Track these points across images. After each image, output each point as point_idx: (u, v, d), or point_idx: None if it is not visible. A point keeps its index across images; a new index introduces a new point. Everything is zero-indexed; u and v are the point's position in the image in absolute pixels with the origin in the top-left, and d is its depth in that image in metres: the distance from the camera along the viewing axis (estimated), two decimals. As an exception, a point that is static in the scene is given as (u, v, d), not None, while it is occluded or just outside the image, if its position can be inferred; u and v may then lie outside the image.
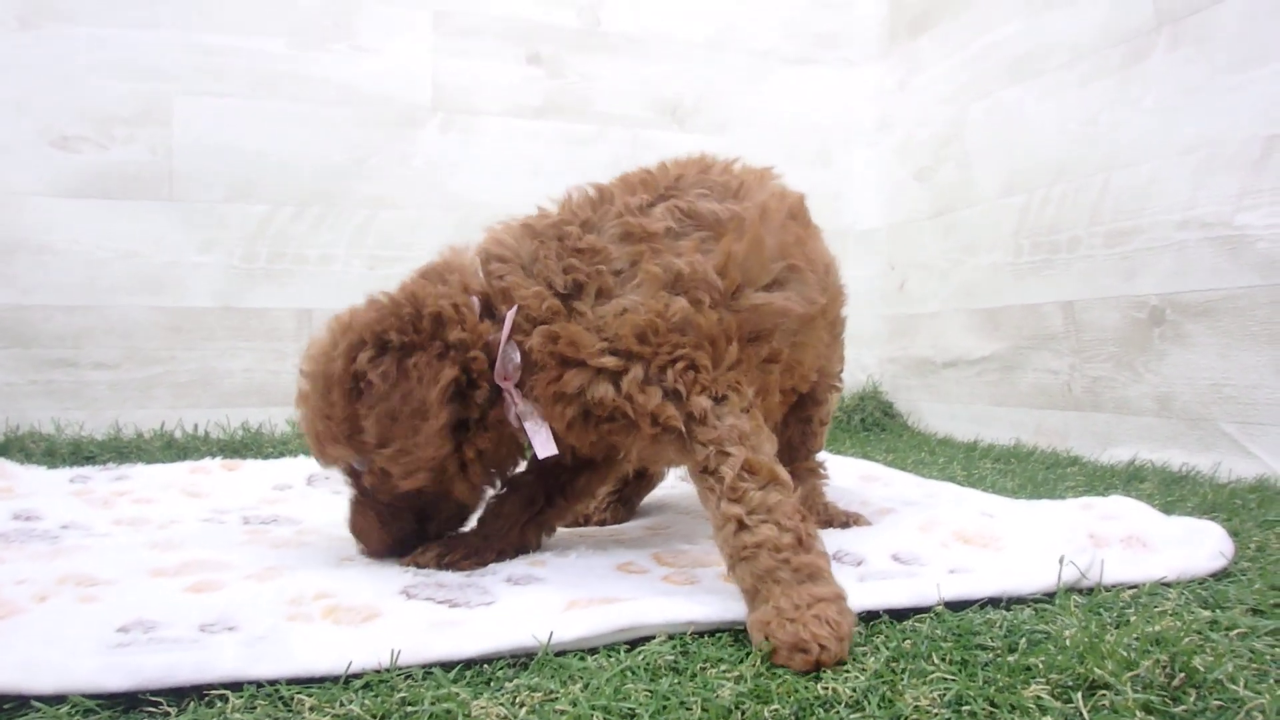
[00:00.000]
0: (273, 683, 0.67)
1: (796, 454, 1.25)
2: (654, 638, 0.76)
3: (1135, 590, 0.88)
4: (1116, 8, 1.84)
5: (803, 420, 1.25)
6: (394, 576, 0.91)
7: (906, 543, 1.01)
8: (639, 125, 2.43)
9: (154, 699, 0.64)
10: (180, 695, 0.65)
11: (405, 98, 2.22)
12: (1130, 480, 1.56)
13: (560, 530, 1.14)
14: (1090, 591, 0.88)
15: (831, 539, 1.04)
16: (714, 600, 0.81)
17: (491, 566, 0.98)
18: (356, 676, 0.68)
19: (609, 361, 0.91)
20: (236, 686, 0.66)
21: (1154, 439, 1.75)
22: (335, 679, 0.68)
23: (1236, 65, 1.58)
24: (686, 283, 0.93)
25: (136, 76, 2.00)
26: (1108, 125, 1.86)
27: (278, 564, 0.94)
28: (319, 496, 1.41)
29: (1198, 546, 0.96)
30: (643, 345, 0.90)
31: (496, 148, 2.29)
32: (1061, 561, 0.88)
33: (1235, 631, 0.75)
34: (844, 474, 1.57)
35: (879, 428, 2.48)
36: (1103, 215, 1.86)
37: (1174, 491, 1.43)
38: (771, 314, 0.98)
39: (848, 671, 0.68)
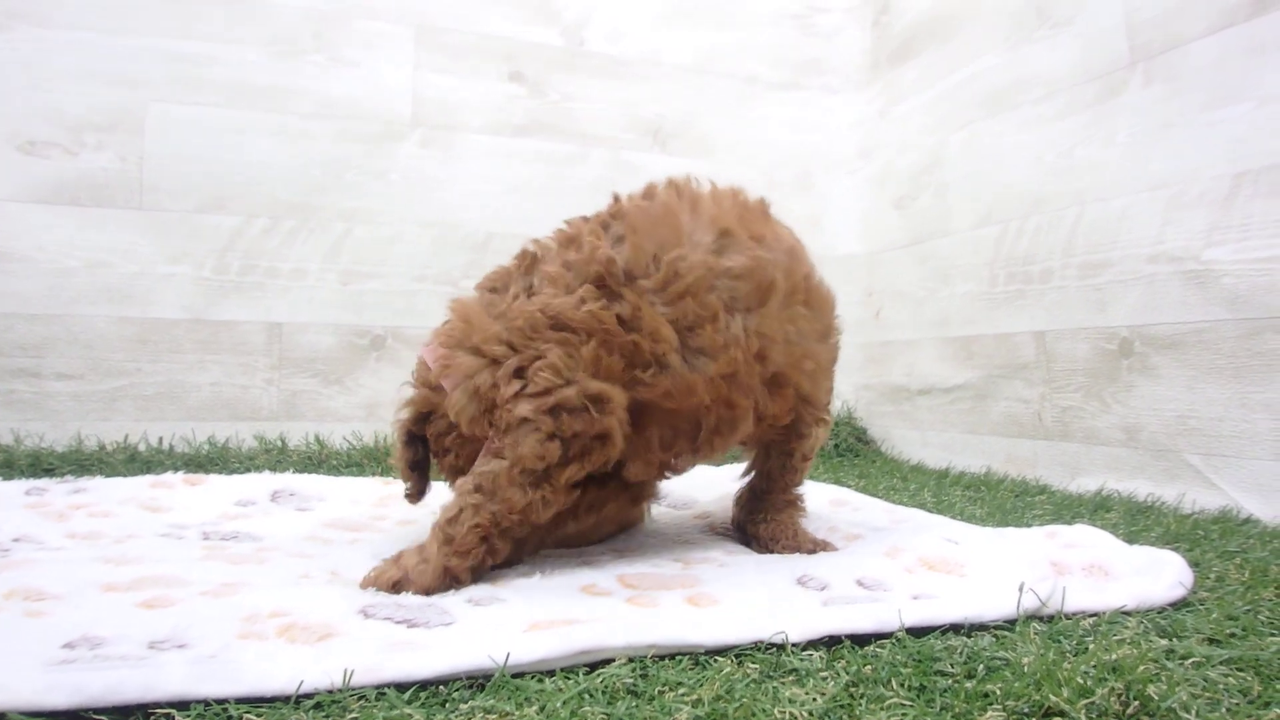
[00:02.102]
0: (221, 702, 0.65)
1: (774, 485, 1.23)
2: (614, 660, 0.75)
3: (1095, 618, 0.88)
4: (1092, 44, 1.86)
5: (783, 454, 1.21)
6: (354, 595, 0.89)
7: (871, 568, 1.00)
8: (621, 146, 2.44)
9: (98, 718, 0.63)
10: (125, 714, 0.64)
11: (384, 112, 2.21)
12: (1097, 510, 1.56)
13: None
14: (1051, 619, 0.88)
15: (797, 564, 1.04)
16: (676, 624, 0.80)
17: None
18: (308, 696, 0.67)
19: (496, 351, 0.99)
20: (184, 705, 0.65)
21: (1121, 469, 1.76)
22: (286, 699, 0.66)
23: (1207, 104, 1.61)
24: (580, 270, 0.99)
25: (109, 83, 1.98)
26: (1082, 159, 1.88)
27: (235, 581, 0.93)
28: (282, 513, 1.40)
29: (1158, 576, 0.97)
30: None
31: (476, 165, 2.29)
32: (1021, 589, 0.88)
33: (1191, 660, 0.76)
34: (815, 499, 1.56)
35: (852, 453, 2.49)
36: (1075, 248, 1.88)
37: (1139, 521, 1.44)
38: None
39: (805, 695, 0.68)
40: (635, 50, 2.48)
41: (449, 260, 2.24)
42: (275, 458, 1.88)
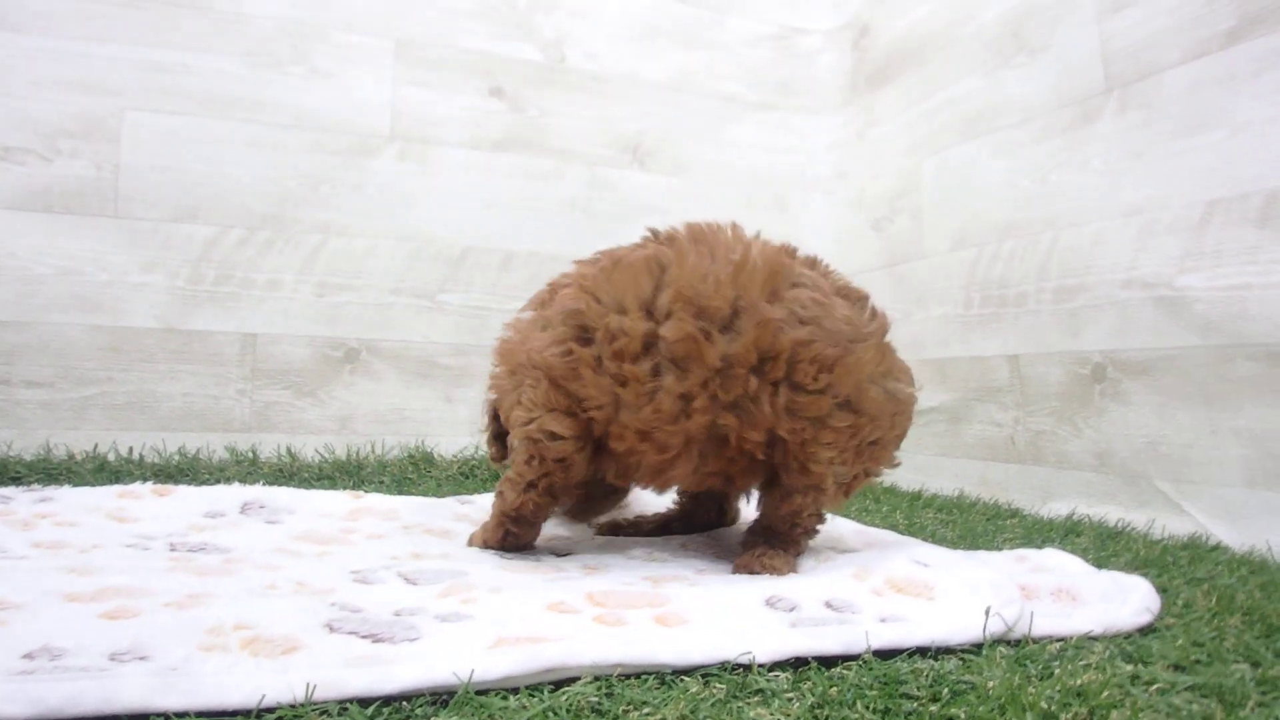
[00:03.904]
0: (181, 715, 0.64)
1: (766, 525, 1.24)
2: (579, 678, 0.75)
3: (1062, 643, 0.89)
4: (1068, 70, 1.89)
5: (772, 503, 1.22)
6: (319, 609, 0.88)
7: (840, 590, 1.00)
8: (599, 163, 2.44)
9: (53, 730, 0.62)
10: (82, 726, 0.63)
11: (362, 125, 2.21)
12: (1068, 534, 1.57)
13: (502, 571, 1.14)
14: (1018, 643, 0.89)
15: (767, 584, 1.04)
16: (643, 642, 0.80)
17: (421, 604, 0.96)
18: (269, 711, 0.66)
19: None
20: (143, 718, 0.64)
21: (1092, 494, 1.78)
22: (247, 712, 0.66)
23: (1180, 132, 1.63)
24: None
25: (85, 90, 1.97)
26: (1056, 185, 1.91)
27: (200, 592, 0.92)
28: (251, 525, 1.38)
29: (1125, 601, 0.97)
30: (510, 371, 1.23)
31: (453, 179, 2.29)
32: (988, 613, 0.89)
33: (1155, 686, 0.76)
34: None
35: (826, 473, 2.48)
36: (1049, 272, 1.90)
37: (1109, 546, 1.45)
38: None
39: (770, 716, 0.67)
40: (614, 67, 2.49)
41: (425, 274, 2.23)
42: (246, 469, 1.86)
